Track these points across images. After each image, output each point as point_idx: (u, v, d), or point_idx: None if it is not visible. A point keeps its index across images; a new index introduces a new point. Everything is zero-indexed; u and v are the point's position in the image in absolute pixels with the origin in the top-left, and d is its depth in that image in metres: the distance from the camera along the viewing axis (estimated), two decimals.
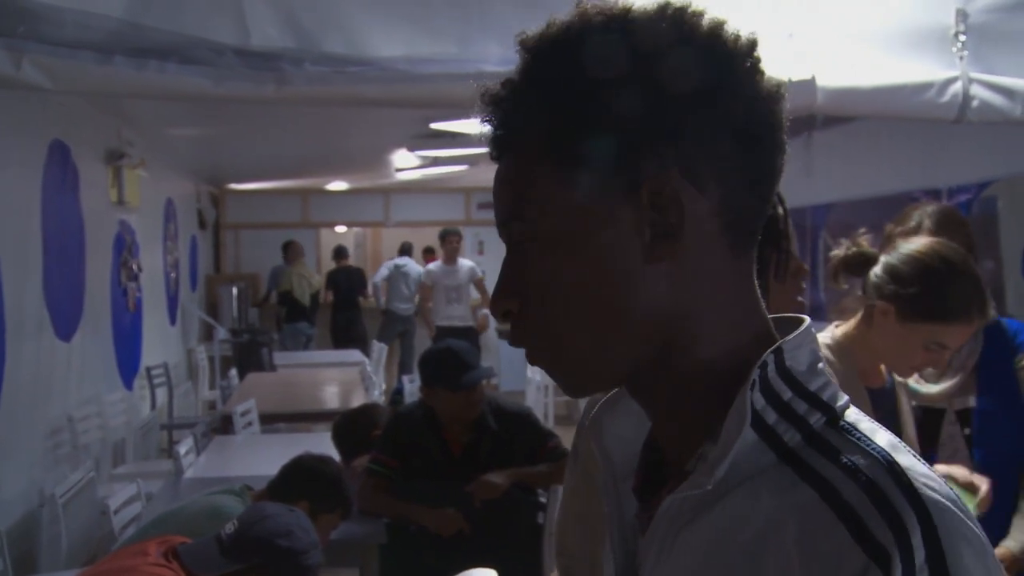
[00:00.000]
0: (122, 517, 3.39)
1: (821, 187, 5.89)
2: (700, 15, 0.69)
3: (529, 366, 8.40)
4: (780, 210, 1.36)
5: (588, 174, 0.68)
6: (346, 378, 6.87)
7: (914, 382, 2.22)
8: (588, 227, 0.68)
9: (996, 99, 2.35)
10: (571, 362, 0.71)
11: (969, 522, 0.62)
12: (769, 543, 0.62)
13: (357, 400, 5.49)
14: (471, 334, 8.31)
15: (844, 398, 0.69)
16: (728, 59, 0.68)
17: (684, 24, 0.68)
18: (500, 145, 0.73)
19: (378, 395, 6.47)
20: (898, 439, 0.67)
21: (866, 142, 5.46)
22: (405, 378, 7.26)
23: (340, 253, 11.19)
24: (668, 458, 0.73)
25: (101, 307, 5.85)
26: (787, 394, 0.67)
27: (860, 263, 1.84)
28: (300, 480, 2.69)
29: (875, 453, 0.64)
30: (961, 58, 2.32)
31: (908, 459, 0.64)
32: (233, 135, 7.46)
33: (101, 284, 5.86)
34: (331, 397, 6.28)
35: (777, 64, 2.40)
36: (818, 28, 2.36)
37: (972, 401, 2.20)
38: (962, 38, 2.32)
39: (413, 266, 10.22)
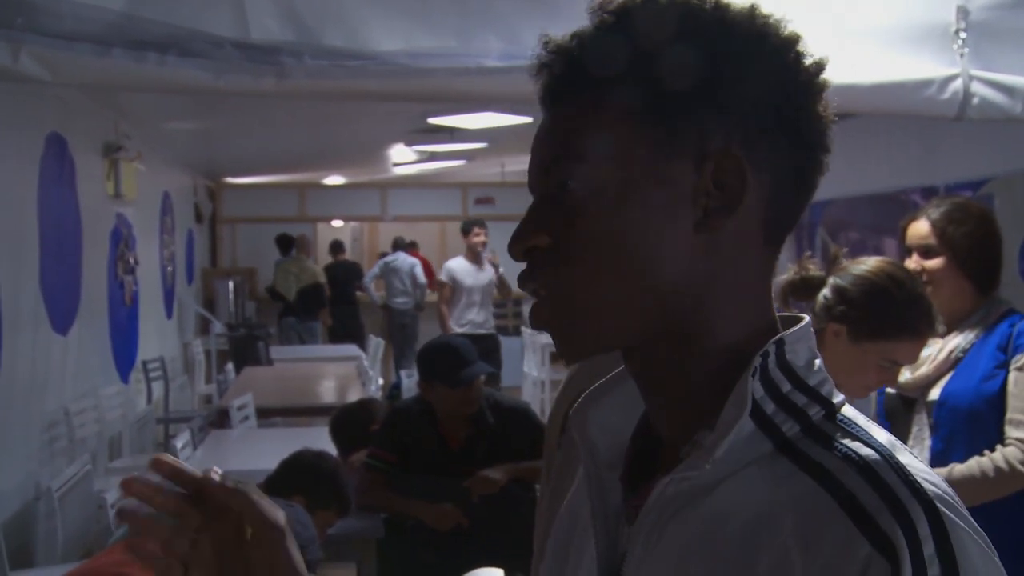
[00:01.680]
0: None
1: (819, 183, 5.88)
2: (784, 25, 0.72)
3: (525, 362, 8.25)
4: None
5: (668, 134, 0.69)
6: (343, 373, 6.87)
7: None
8: (650, 183, 0.69)
9: (997, 97, 2.34)
10: (583, 314, 0.70)
11: (968, 516, 0.62)
12: (763, 536, 0.62)
13: (354, 395, 5.49)
14: (492, 342, 7.31)
15: (840, 396, 0.70)
16: (800, 66, 0.71)
17: (773, 26, 0.71)
18: (558, 93, 0.73)
19: (375, 390, 6.47)
20: (896, 439, 0.67)
21: (864, 139, 5.46)
22: (403, 373, 7.25)
23: (336, 248, 11.20)
24: (666, 444, 0.73)
25: (98, 300, 5.84)
26: (786, 386, 0.68)
27: (806, 287, 1.87)
28: (297, 475, 2.69)
29: (875, 445, 0.64)
30: (962, 55, 2.32)
31: (906, 457, 0.64)
32: (230, 128, 7.44)
33: (98, 277, 5.86)
34: (328, 392, 6.28)
35: None
36: (817, 24, 2.36)
37: (935, 393, 2.21)
38: (963, 35, 2.32)
39: (403, 259, 10.25)
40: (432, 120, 6.19)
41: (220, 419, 5.32)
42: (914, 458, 0.65)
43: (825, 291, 1.83)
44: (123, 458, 5.46)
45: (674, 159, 0.69)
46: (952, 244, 2.23)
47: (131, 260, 6.62)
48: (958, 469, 2.07)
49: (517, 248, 0.72)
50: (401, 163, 9.43)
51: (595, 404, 0.78)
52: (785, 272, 1.92)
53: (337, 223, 13.24)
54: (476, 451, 3.27)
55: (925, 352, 2.22)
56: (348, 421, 3.86)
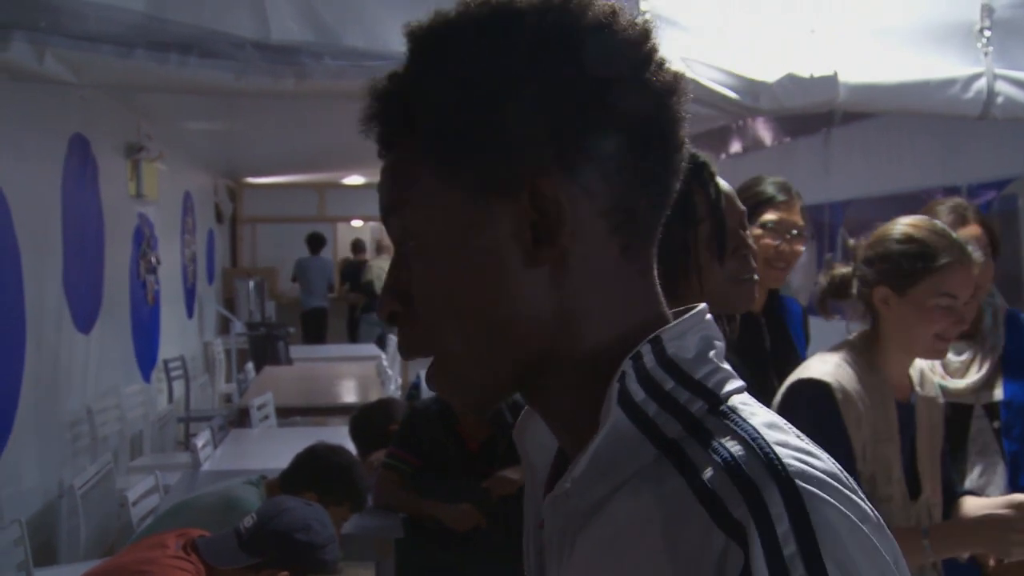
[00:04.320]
0: (140, 509, 3.41)
1: (839, 184, 5.85)
2: (587, 5, 0.65)
3: None
4: (712, 188, 1.33)
5: (466, 175, 0.65)
6: (362, 372, 6.89)
7: (940, 378, 2.21)
8: (466, 230, 0.65)
9: (1021, 96, 2.33)
10: (456, 373, 0.68)
11: (851, 495, 0.59)
12: (645, 537, 0.60)
13: (373, 394, 5.50)
14: None
15: (735, 384, 0.66)
16: (616, 51, 0.65)
17: (569, 15, 0.65)
18: (385, 141, 0.69)
19: (394, 390, 6.49)
20: (781, 420, 0.63)
21: (885, 138, 5.42)
22: (422, 373, 7.27)
23: (358, 247, 11.27)
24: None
25: (120, 300, 5.89)
26: (669, 383, 0.64)
27: (841, 286, 1.82)
28: (310, 470, 2.68)
29: (743, 433, 0.60)
30: (986, 54, 2.30)
31: (782, 436, 0.61)
32: (250, 129, 7.48)
33: (120, 277, 5.90)
34: (347, 391, 6.30)
35: (799, 60, 2.40)
36: (840, 24, 2.35)
37: (999, 394, 2.19)
38: (987, 34, 2.30)
39: None
40: None
41: (240, 418, 5.34)
42: (796, 438, 0.61)
43: (856, 276, 1.80)
44: (144, 456, 5.50)
45: (485, 200, 0.65)
46: (997, 243, 2.21)
47: (153, 260, 6.67)
48: None
49: (381, 317, 0.70)
50: None
51: (533, 420, 0.75)
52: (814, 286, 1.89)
53: (356, 223, 13.28)
54: (495, 451, 3.27)
55: (958, 358, 2.21)
56: (368, 421, 3.86)
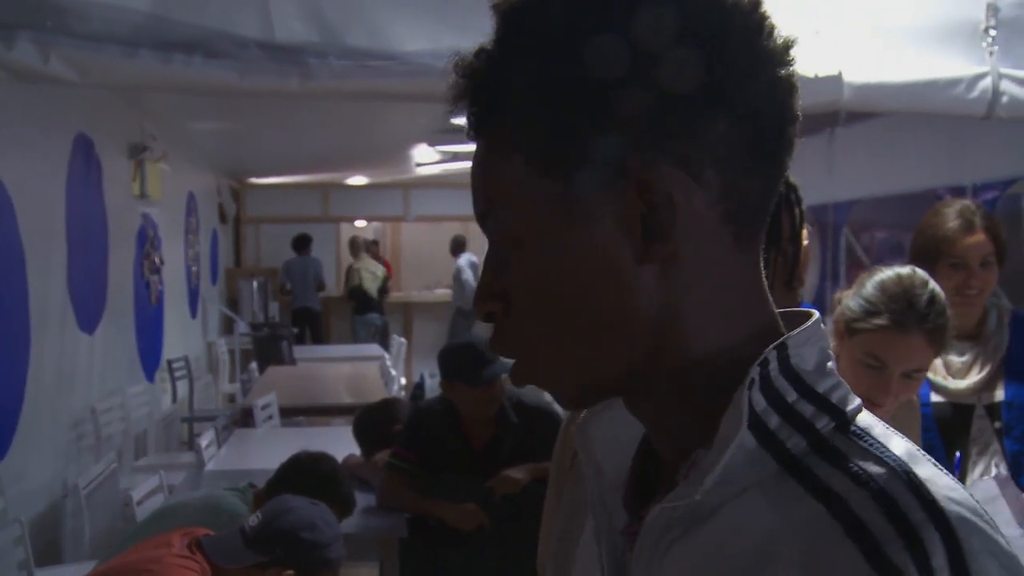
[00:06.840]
0: (145, 508, 3.41)
1: (843, 184, 5.84)
2: None
3: None
4: (797, 211, 1.32)
5: (567, 166, 0.60)
6: (366, 372, 6.89)
7: (941, 378, 2.21)
8: (570, 226, 0.61)
9: None
10: (560, 373, 0.65)
11: (997, 537, 0.55)
12: (766, 568, 0.55)
13: (377, 394, 5.50)
14: None
15: (856, 401, 0.62)
16: (725, 25, 0.60)
17: None
18: (476, 124, 0.65)
19: (397, 390, 6.49)
20: (916, 447, 0.60)
21: (890, 138, 5.42)
22: (425, 373, 7.28)
23: (355, 246, 11.30)
24: (664, 466, 0.67)
25: (124, 300, 5.89)
26: (792, 395, 0.60)
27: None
28: (293, 479, 2.68)
29: (890, 461, 0.56)
30: (991, 53, 2.30)
31: (928, 469, 0.57)
32: (254, 129, 7.49)
33: (124, 277, 5.91)
34: (351, 391, 6.30)
35: (803, 60, 2.39)
36: (845, 24, 2.35)
37: (1000, 395, 2.19)
38: (992, 33, 2.30)
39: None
40: (455, 120, 6.18)
41: (244, 418, 5.35)
42: (938, 470, 0.58)
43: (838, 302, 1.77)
44: (148, 456, 5.50)
45: (587, 193, 0.60)
46: (1003, 250, 2.21)
47: (156, 260, 6.67)
48: None
49: (478, 317, 0.67)
50: (424, 163, 9.45)
51: (597, 419, 0.72)
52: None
53: (360, 223, 13.29)
54: (499, 450, 3.27)
55: (960, 359, 2.21)
56: (372, 421, 3.87)
